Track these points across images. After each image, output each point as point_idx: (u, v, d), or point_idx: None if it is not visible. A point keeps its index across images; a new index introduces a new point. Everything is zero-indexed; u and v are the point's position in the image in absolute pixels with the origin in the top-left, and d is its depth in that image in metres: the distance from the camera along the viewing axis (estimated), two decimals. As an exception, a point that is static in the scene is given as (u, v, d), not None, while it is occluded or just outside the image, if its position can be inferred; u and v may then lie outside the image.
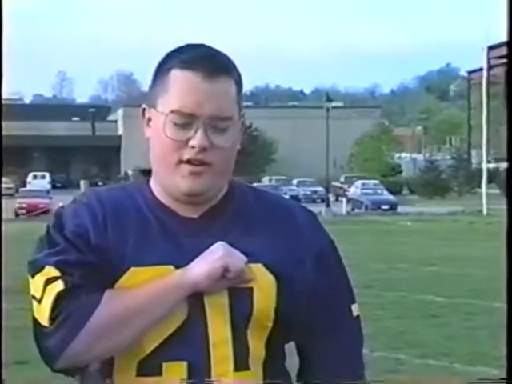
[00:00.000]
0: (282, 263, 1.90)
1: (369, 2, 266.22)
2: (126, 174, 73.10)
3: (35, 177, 76.05)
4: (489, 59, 64.33)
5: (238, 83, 1.94)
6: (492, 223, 35.64)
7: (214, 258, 1.84)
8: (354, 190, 53.27)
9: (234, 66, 1.94)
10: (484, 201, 46.01)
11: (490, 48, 65.92)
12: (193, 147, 1.86)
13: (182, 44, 1.96)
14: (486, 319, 11.59)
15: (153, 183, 1.97)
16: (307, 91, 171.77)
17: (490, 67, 64.68)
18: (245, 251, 1.87)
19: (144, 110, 1.97)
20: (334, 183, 60.95)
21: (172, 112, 1.87)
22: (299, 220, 2.01)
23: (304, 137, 79.41)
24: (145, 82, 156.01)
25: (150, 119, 1.95)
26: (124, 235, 1.90)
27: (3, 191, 67.19)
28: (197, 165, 1.88)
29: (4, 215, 40.05)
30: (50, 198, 45.82)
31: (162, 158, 1.91)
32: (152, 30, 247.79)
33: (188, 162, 1.88)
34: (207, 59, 1.89)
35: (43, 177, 76.23)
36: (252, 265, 1.88)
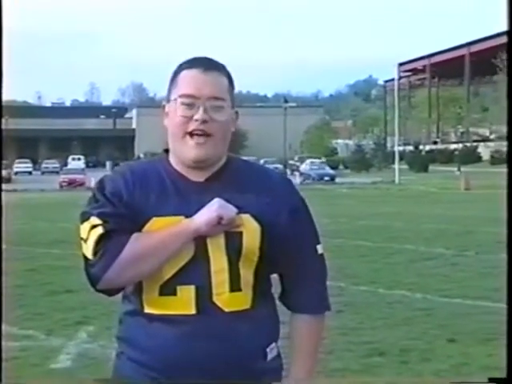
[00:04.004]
0: (264, 214, 1.89)
1: (312, 26, 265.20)
2: (138, 156, 72.52)
3: (73, 159, 75.43)
4: (399, 72, 64.27)
5: (229, 79, 1.95)
6: (402, 189, 35.80)
7: (212, 209, 1.84)
8: (304, 166, 53.10)
9: (225, 68, 1.96)
10: (396, 173, 46.13)
11: (400, 64, 65.92)
12: (196, 120, 1.87)
13: (176, 59, 1.99)
14: (400, 257, 11.57)
15: (170, 157, 1.96)
16: (269, 95, 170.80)
17: (400, 78, 64.62)
18: (237, 205, 1.86)
19: (164, 106, 1.97)
20: (290, 161, 60.78)
21: (180, 96, 1.89)
22: (278, 183, 1.99)
23: (268, 128, 79.11)
24: (151, 89, 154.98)
25: (167, 113, 1.95)
26: (147, 194, 1.90)
27: (51, 169, 67.05)
28: (200, 135, 1.88)
29: (51, 187, 39.80)
30: (85, 175, 45.41)
31: (175, 132, 1.91)
32: (156, 52, 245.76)
33: (193, 133, 1.88)
34: (204, 59, 1.94)
35: (79, 159, 75.70)
36: (242, 215, 1.87)
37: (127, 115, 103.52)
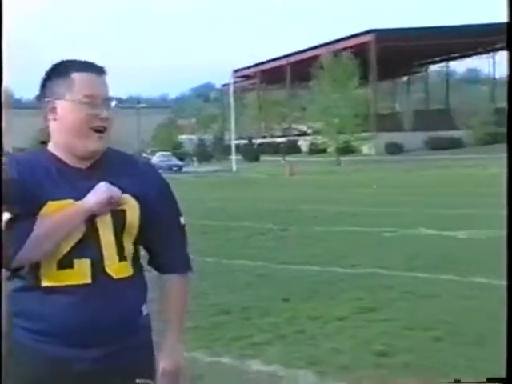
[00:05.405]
0: (140, 194, 1.93)
1: (163, 36, 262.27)
2: (7, 151, 68.72)
3: None
4: (234, 77, 65.16)
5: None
6: (238, 177, 36.30)
7: (101, 191, 1.86)
8: (155, 158, 52.53)
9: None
10: (233, 163, 46.87)
11: (235, 71, 66.85)
12: (101, 118, 1.89)
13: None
14: (238, 233, 11.57)
15: (52, 148, 1.94)
16: (124, 97, 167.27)
17: (234, 82, 65.34)
18: (118, 187, 1.90)
19: (48, 102, 1.90)
20: (143, 154, 59.90)
21: (85, 96, 1.88)
22: (145, 169, 2.03)
23: (123, 126, 77.09)
24: (18, 92, 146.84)
25: (55, 108, 1.90)
26: (37, 181, 1.87)
27: None
28: (102, 131, 1.90)
29: None
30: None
31: (76, 128, 1.88)
32: (21, 55, 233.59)
33: (96, 129, 1.89)
34: (94, 65, 1.95)
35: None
36: (124, 195, 1.90)
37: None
